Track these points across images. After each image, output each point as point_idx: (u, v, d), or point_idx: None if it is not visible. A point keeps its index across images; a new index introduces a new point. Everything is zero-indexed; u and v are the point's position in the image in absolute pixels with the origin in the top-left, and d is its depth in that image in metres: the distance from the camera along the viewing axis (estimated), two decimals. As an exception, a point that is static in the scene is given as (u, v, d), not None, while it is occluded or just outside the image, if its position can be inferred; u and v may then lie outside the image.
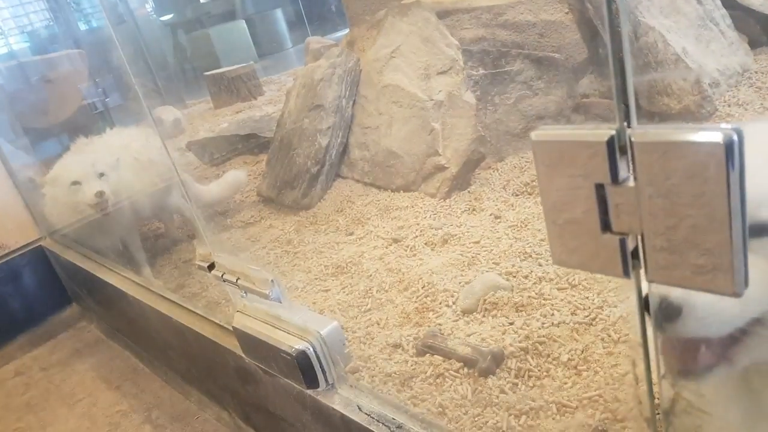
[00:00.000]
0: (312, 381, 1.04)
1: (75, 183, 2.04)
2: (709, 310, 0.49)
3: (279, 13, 8.59)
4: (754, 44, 2.69)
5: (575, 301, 1.47)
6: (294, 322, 1.07)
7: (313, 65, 2.74)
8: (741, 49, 2.56)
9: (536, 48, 2.62)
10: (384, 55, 2.64)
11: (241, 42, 7.67)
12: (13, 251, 2.54)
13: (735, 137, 0.37)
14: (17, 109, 2.95)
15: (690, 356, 0.53)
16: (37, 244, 2.59)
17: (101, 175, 2.05)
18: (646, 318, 0.50)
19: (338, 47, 2.84)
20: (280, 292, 1.07)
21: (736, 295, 0.39)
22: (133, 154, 2.30)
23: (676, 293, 0.49)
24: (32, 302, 2.55)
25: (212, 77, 5.26)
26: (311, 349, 1.02)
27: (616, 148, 0.43)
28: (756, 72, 2.50)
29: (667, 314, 0.50)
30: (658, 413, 0.56)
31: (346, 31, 2.96)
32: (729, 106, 2.26)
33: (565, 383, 1.25)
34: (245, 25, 7.80)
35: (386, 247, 2.05)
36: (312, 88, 2.65)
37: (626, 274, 0.46)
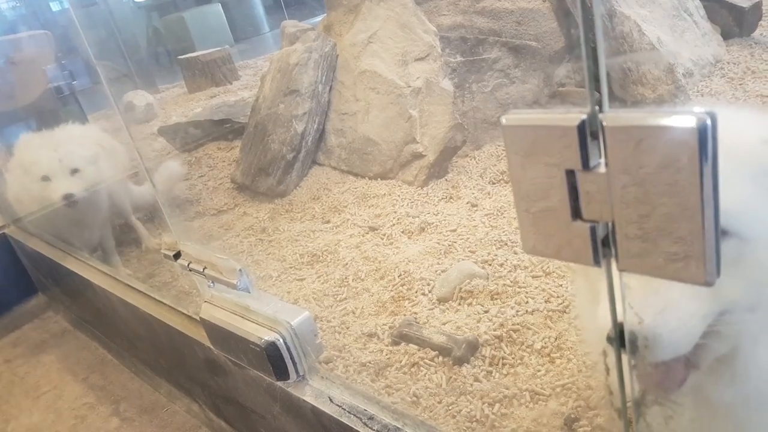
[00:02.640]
0: (282, 373, 1.02)
1: (45, 178, 1.97)
2: (676, 333, 0.52)
3: (256, -3, 8.43)
4: (726, 35, 2.72)
5: (549, 288, 1.48)
6: (263, 312, 1.04)
7: (288, 49, 2.68)
8: (714, 40, 2.58)
9: (514, 36, 2.61)
10: (361, 40, 2.60)
11: (216, 26, 7.51)
12: (-24, 239, 2.45)
13: (708, 122, 0.35)
14: (-20, 92, 2.84)
15: (666, 377, 0.56)
16: (0, 232, 2.50)
17: (74, 171, 1.98)
18: (617, 307, 0.49)
19: (315, 31, 2.79)
20: (249, 281, 1.04)
21: (708, 284, 0.38)
22: (98, 141, 2.23)
23: (643, 325, 0.53)
24: (-4, 292, 2.47)
25: (186, 61, 5.14)
26: (281, 341, 1.00)
27: (587, 132, 0.41)
28: (728, 63, 2.53)
29: (636, 346, 0.52)
30: (629, 403, 0.55)
31: (324, 15, 2.90)
32: (702, 95, 2.28)
33: (539, 371, 1.25)
34: (221, 9, 7.64)
35: (363, 236, 2.03)
36: (287, 72, 2.60)
37: (597, 262, 0.44)
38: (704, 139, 0.35)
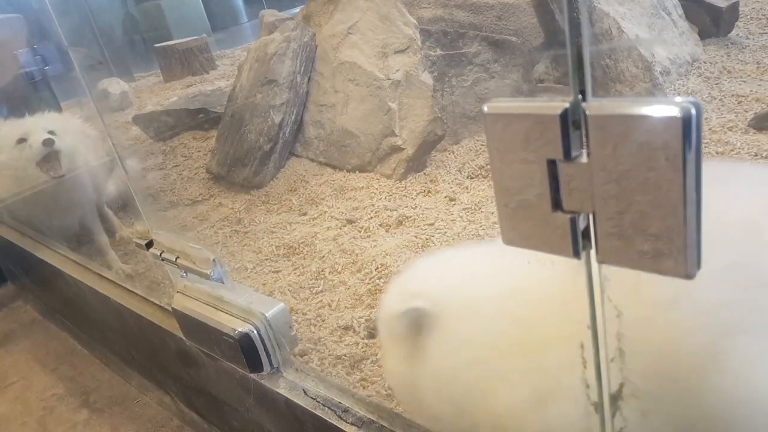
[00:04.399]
0: (256, 365, 1.00)
1: (20, 140, 1.89)
2: None
3: (235, -14, 8.31)
4: (703, 35, 2.76)
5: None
6: (237, 303, 1.02)
7: (266, 38, 2.64)
8: (691, 39, 2.63)
9: (494, 30, 2.61)
10: (341, 31, 2.57)
11: (194, 14, 7.38)
12: (-59, 227, 2.37)
13: (693, 111, 0.35)
14: (-55, 75, 2.73)
15: None
16: (-34, 220, 2.42)
17: (50, 132, 1.92)
18: (596, 300, 0.49)
19: (294, 21, 2.75)
20: (222, 271, 1.02)
21: (689, 277, 0.38)
22: (81, 128, 2.17)
23: None
24: (-38, 281, 2.40)
25: (163, 49, 5.03)
26: (255, 332, 0.98)
27: (569, 121, 0.41)
28: (705, 62, 2.58)
29: None
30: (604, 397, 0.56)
31: (303, 5, 2.87)
32: (678, 94, 2.32)
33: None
34: (199, -3, 7.50)
35: (340, 228, 2.02)
36: (265, 62, 2.55)
37: (576, 254, 0.44)
38: (688, 129, 0.35)
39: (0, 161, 1.96)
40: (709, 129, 2.01)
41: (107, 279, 1.53)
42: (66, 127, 2.07)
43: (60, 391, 1.75)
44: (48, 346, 2.02)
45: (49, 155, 1.88)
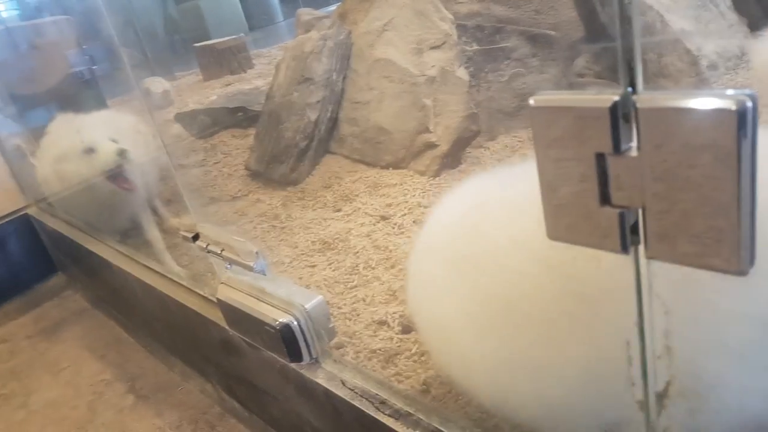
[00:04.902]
0: (296, 355, 1.02)
1: (89, 150, 1.92)
2: None
3: (271, -14, 8.42)
4: (753, 27, 2.66)
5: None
6: (278, 294, 1.04)
7: (303, 37, 2.67)
8: (740, 32, 2.53)
9: (532, 25, 2.57)
10: (376, 28, 2.58)
11: (231, 14, 7.51)
12: None
13: (749, 104, 0.34)
14: (2, 75, 2.86)
15: None
16: (23, 212, 2.54)
17: (113, 140, 1.97)
18: (643, 295, 0.49)
19: (329, 19, 2.77)
20: (264, 264, 1.04)
21: (742, 273, 0.37)
22: (134, 125, 2.21)
23: None
24: (18, 271, 2.51)
25: (202, 49, 5.14)
26: (295, 323, 1.00)
27: (619, 114, 0.40)
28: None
29: None
30: (651, 396, 0.55)
31: (339, 3, 2.89)
32: (727, 89, 2.24)
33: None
34: (236, -3, 7.63)
35: (374, 225, 2.03)
36: (302, 60, 2.59)
37: (625, 249, 0.44)
38: (744, 123, 0.34)
39: (69, 169, 2.01)
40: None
41: (153, 270, 1.58)
42: (121, 126, 2.12)
43: (108, 377, 1.83)
44: (96, 334, 2.11)
45: (121, 165, 1.92)
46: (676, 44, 2.13)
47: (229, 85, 4.66)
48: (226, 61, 5.06)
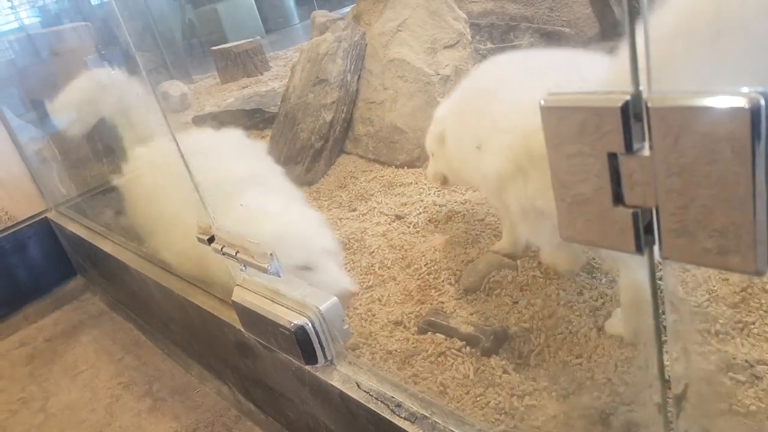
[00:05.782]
0: (310, 357, 1.03)
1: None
2: None
3: (287, -12, 8.48)
4: None
5: (581, 281, 1.45)
6: (293, 296, 1.05)
7: (318, 39, 2.68)
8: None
9: (546, 22, 2.55)
10: (390, 28, 2.58)
11: (248, 17, 7.58)
12: (20, 222, 2.55)
13: (762, 102, 0.34)
14: (24, 81, 2.92)
15: None
16: (42, 216, 2.59)
17: None
18: (659, 298, 0.48)
19: (344, 21, 2.78)
20: (279, 266, 1.05)
21: (759, 273, 0.36)
22: None
23: None
24: (38, 274, 2.56)
25: (219, 52, 5.20)
26: (310, 325, 1.01)
27: (630, 114, 0.40)
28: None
29: None
30: (670, 398, 0.54)
31: (353, 5, 2.89)
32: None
33: (570, 363, 1.24)
34: (253, 1, 7.70)
35: (389, 224, 2.03)
36: (317, 62, 2.60)
37: (639, 250, 0.43)
38: (757, 121, 0.34)
39: None
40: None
41: (170, 273, 1.60)
42: None
43: (125, 379, 1.85)
44: (114, 337, 2.13)
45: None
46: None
47: (246, 87, 4.70)
48: (242, 63, 5.11)
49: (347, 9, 3.38)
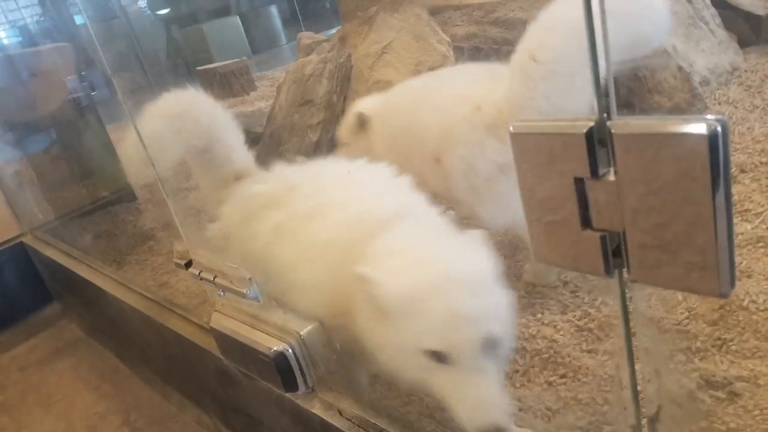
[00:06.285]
0: (291, 384, 1.01)
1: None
2: None
3: (273, 10, 8.54)
4: (743, 43, 2.68)
5: (565, 299, 1.45)
6: (273, 321, 1.03)
7: (303, 60, 2.70)
8: (730, 48, 2.55)
9: (527, 45, 2.59)
10: (375, 50, 2.60)
11: (234, 38, 7.61)
12: (-6, 247, 2.49)
13: (719, 128, 0.34)
14: (0, 102, 2.89)
15: None
16: (18, 240, 2.54)
17: None
18: (630, 320, 0.48)
19: (330, 43, 2.80)
20: (258, 290, 1.03)
21: (723, 296, 0.36)
22: None
23: None
24: (12, 300, 2.50)
25: (204, 72, 5.20)
26: (290, 351, 0.99)
27: (594, 140, 0.40)
28: (745, 71, 2.49)
29: None
30: (644, 419, 0.54)
31: (339, 27, 2.93)
32: (719, 104, 2.25)
33: (551, 381, 1.23)
34: (239, 21, 7.74)
35: (373, 246, 2.02)
36: (302, 83, 2.61)
37: (608, 272, 0.43)
38: (715, 146, 0.34)
39: None
40: (753, 139, 1.94)
41: (148, 298, 1.57)
42: None
43: (102, 409, 1.80)
44: (91, 364, 2.08)
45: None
46: (669, 61, 2.14)
47: (232, 107, 4.68)
48: (228, 84, 5.11)
49: (333, 31, 3.41)
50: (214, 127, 1.39)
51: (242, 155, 1.41)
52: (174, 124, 1.37)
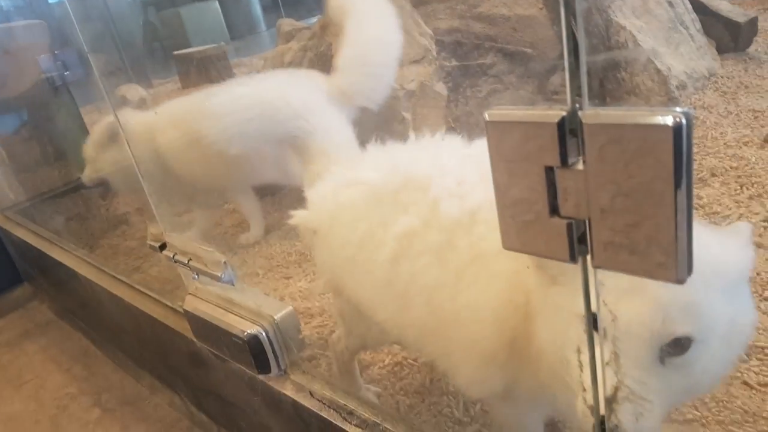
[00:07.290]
0: (264, 366, 1.02)
1: None
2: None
3: (254, -5, 8.43)
4: (721, 49, 2.75)
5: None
6: (247, 305, 1.04)
7: (283, 47, 2.68)
8: (709, 54, 2.61)
9: (509, 42, 2.62)
10: (357, 41, 2.60)
11: (213, 22, 7.49)
12: (-38, 227, 2.43)
13: (683, 121, 0.36)
14: (-31, 80, 2.80)
15: None
16: (-13, 221, 2.48)
17: None
18: (591, 301, 0.50)
19: (310, 30, 2.79)
20: (233, 274, 1.04)
21: (680, 282, 0.39)
22: None
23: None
24: (-20, 281, 2.44)
25: (181, 57, 5.11)
26: (264, 334, 1.00)
27: (566, 129, 0.42)
28: (722, 77, 2.56)
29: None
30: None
31: (321, 15, 2.90)
32: (695, 108, 2.31)
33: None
34: (218, 6, 7.62)
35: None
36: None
37: (573, 258, 0.45)
38: (679, 138, 0.36)
39: None
40: (725, 144, 2.00)
41: (121, 281, 1.56)
42: None
43: (73, 390, 1.78)
44: (62, 346, 2.06)
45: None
46: (648, 64, 2.19)
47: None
48: (205, 69, 5.03)
49: (315, 19, 3.39)
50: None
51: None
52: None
